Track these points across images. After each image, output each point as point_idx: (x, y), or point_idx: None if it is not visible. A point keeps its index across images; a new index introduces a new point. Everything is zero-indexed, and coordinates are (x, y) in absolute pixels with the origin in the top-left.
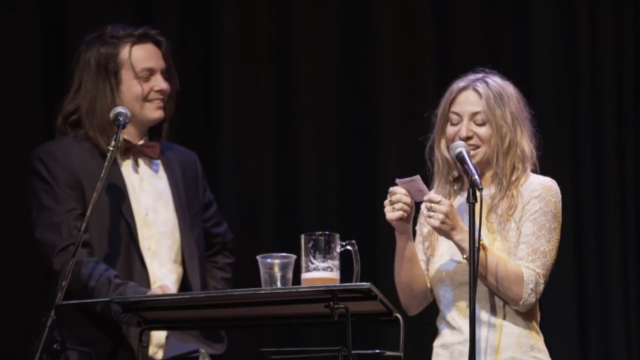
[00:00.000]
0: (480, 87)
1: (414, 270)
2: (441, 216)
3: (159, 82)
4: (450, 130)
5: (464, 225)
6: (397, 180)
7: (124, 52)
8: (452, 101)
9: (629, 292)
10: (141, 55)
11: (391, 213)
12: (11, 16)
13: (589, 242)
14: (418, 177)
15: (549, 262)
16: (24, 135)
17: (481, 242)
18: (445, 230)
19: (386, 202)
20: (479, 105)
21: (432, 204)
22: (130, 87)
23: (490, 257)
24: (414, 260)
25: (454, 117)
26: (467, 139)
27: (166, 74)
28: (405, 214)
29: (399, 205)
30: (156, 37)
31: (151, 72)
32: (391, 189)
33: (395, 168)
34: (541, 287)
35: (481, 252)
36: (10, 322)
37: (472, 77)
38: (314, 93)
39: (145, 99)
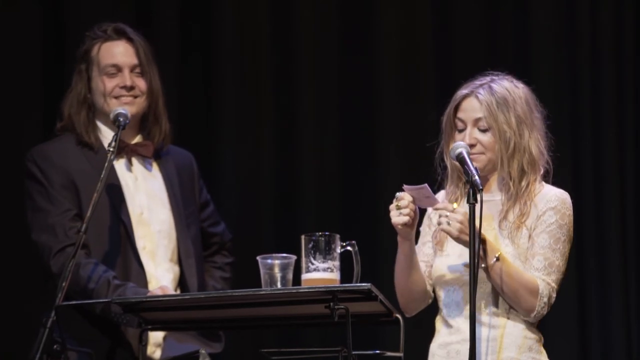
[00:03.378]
0: (482, 93)
1: (414, 276)
2: (458, 225)
3: (124, 79)
4: (458, 137)
5: (483, 233)
6: (405, 187)
7: (94, 49)
8: (455, 108)
9: (629, 292)
10: (107, 52)
11: (397, 217)
12: (12, 16)
13: (589, 243)
14: (426, 185)
15: (561, 277)
16: (24, 135)
17: (500, 254)
18: (464, 240)
19: (392, 206)
20: (481, 111)
21: (448, 213)
22: (97, 83)
23: (508, 269)
24: (415, 266)
25: (459, 124)
26: (470, 146)
27: (139, 71)
28: (411, 220)
29: (407, 210)
30: (129, 34)
31: (117, 68)
32: (398, 194)
33: (396, 169)
34: (553, 300)
35: (499, 264)
36: (9, 323)
37: (477, 82)
38: (315, 93)
39: (109, 95)
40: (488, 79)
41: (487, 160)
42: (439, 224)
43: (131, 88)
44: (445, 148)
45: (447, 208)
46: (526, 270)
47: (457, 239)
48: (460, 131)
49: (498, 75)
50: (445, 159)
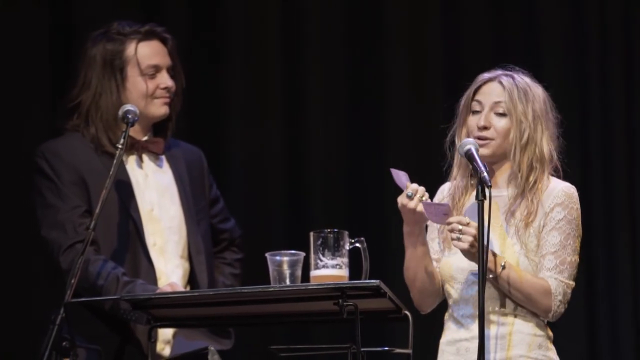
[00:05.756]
0: (506, 80)
1: (430, 267)
2: (470, 239)
3: (165, 80)
4: (472, 120)
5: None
6: (424, 203)
7: (130, 48)
8: (476, 91)
9: (638, 289)
10: (147, 52)
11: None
12: (20, 15)
13: (597, 240)
14: (448, 204)
15: (575, 272)
16: (32, 133)
17: (505, 262)
18: (472, 253)
19: (412, 201)
20: (502, 96)
21: (461, 226)
22: (136, 84)
23: (514, 276)
24: (428, 256)
25: (476, 105)
26: (483, 128)
27: (172, 71)
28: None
29: (422, 192)
30: (162, 34)
31: (157, 69)
32: (406, 194)
33: (404, 167)
34: (569, 296)
35: (505, 272)
36: (12, 321)
37: (500, 71)
38: (323, 90)
39: (151, 96)
40: (511, 72)
41: (497, 147)
42: (457, 239)
43: (169, 89)
44: (459, 129)
45: (462, 222)
46: (537, 270)
47: (467, 253)
48: (475, 113)
49: (520, 71)
50: (457, 145)
